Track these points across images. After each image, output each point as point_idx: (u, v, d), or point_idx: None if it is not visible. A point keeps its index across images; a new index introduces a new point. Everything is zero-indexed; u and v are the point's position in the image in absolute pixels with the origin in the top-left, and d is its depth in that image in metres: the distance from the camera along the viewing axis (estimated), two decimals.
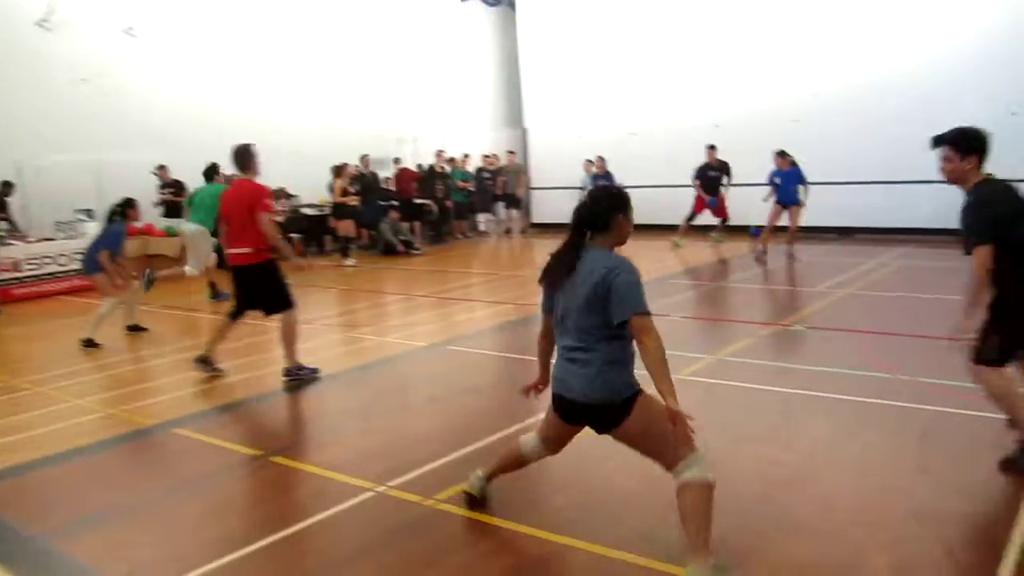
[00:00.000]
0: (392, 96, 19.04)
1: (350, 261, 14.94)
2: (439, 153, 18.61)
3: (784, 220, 13.19)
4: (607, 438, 3.56)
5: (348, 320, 9.96)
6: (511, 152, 19.54)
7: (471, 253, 16.69)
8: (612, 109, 18.93)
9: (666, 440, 3.31)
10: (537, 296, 3.80)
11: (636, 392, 3.47)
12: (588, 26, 19.34)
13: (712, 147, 15.36)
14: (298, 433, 5.96)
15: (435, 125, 19.79)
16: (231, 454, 5.02)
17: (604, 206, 3.54)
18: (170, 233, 13.42)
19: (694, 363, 6.83)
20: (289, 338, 7.04)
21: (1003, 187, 4.38)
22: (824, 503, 4.16)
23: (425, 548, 3.93)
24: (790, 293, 10.96)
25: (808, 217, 13.61)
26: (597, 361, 3.42)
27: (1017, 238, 4.23)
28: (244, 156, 7.06)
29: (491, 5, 21.98)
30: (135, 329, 9.44)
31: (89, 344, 8.72)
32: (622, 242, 3.58)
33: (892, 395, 5.84)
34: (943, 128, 4.43)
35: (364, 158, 16.66)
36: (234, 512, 4.47)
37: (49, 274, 12.98)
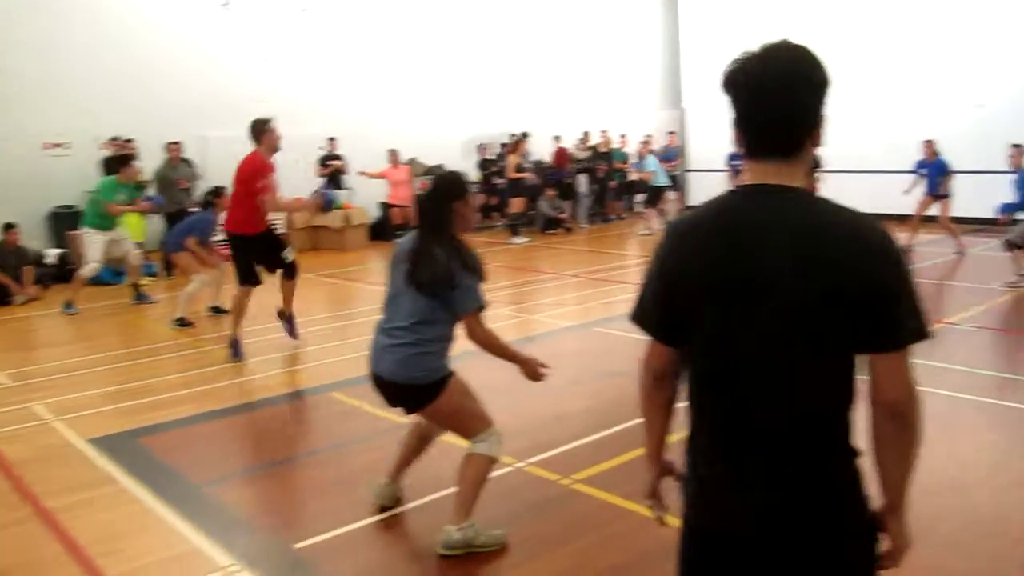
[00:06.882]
0: (556, 79, 18.95)
1: (520, 239, 14.74)
2: (604, 133, 18.37)
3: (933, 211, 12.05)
4: None
5: (499, 297, 10.05)
6: (672, 133, 18.99)
7: (628, 234, 16.48)
8: None
9: (463, 417, 3.68)
10: None
11: (447, 375, 3.65)
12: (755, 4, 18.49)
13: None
14: None
15: (595, 105, 19.51)
16: (381, 420, 5.21)
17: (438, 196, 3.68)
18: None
19: None
20: (236, 310, 7.16)
21: None
22: (964, 513, 3.89)
23: (556, 527, 3.96)
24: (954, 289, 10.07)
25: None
26: (415, 343, 3.58)
27: None
28: (255, 130, 6.83)
29: None
30: (217, 311, 8.81)
31: (182, 324, 8.39)
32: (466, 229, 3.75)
33: None
34: None
35: (515, 137, 16.58)
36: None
37: None
